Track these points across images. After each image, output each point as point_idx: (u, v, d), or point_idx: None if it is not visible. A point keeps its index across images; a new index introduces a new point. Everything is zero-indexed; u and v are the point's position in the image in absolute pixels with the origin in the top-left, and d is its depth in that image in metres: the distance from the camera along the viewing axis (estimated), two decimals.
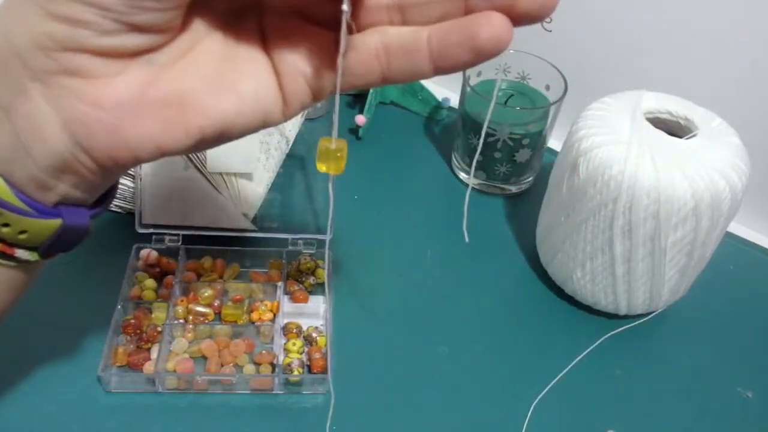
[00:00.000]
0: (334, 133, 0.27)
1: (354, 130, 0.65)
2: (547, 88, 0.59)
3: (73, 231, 0.28)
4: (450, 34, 0.25)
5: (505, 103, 0.59)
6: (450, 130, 0.68)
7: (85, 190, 0.28)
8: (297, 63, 0.27)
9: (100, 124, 0.24)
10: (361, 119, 0.64)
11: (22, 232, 0.27)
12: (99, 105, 0.24)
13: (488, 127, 0.57)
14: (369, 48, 0.26)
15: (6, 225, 0.26)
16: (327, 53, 0.26)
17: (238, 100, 0.26)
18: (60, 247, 0.29)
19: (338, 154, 0.27)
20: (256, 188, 0.55)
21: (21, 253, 0.28)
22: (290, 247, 0.53)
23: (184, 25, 0.26)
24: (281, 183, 0.58)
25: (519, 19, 0.24)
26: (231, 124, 0.26)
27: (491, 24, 0.24)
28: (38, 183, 0.26)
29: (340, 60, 0.25)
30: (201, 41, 0.27)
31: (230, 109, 0.26)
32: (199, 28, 0.26)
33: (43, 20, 0.23)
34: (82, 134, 0.25)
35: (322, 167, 0.27)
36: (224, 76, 0.26)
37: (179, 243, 0.52)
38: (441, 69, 0.26)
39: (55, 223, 0.27)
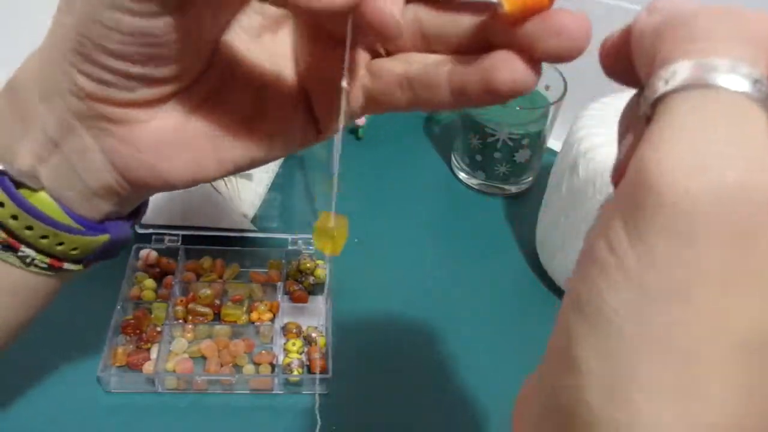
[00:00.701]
0: (333, 205, 0.25)
1: (354, 130, 0.65)
2: (547, 88, 0.59)
3: (118, 242, 0.30)
4: (469, 73, 0.23)
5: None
6: (450, 130, 0.68)
7: (124, 206, 0.30)
8: (326, 88, 0.27)
9: (137, 162, 0.26)
10: (361, 119, 0.64)
11: (74, 249, 0.29)
12: (135, 146, 0.26)
13: (488, 127, 0.57)
14: (392, 76, 0.26)
15: (60, 243, 0.28)
16: (355, 77, 0.26)
17: (271, 133, 0.27)
18: (104, 256, 0.31)
19: (335, 233, 0.25)
20: (255, 188, 0.55)
21: (68, 266, 0.30)
22: (290, 247, 0.53)
23: (217, 59, 0.27)
24: (281, 183, 0.58)
25: (542, 58, 0.22)
26: (263, 155, 0.28)
27: (510, 68, 0.22)
28: (86, 205, 0.28)
29: (341, 126, 0.24)
30: (230, 87, 0.27)
31: (263, 141, 0.27)
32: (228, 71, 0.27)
33: (74, 72, 0.24)
34: (122, 168, 0.27)
35: (318, 245, 0.26)
36: (258, 108, 0.27)
37: (179, 243, 0.52)
38: (462, 104, 0.25)
39: (103, 237, 0.29)
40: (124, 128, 0.26)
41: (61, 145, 0.26)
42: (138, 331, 0.47)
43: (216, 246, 0.52)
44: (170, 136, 0.26)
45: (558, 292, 0.53)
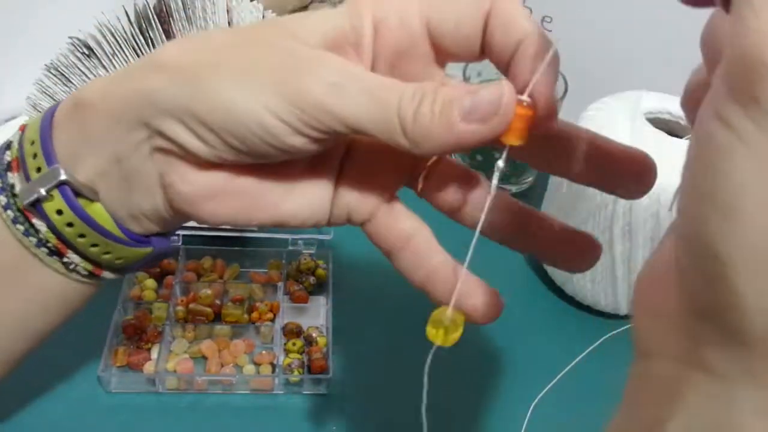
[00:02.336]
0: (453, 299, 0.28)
1: None
2: None
3: (159, 255, 0.32)
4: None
5: None
6: None
7: (168, 227, 0.31)
8: (348, 198, 0.29)
9: (182, 195, 0.27)
10: None
11: (119, 258, 0.30)
12: (187, 181, 0.27)
13: None
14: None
15: (107, 253, 0.30)
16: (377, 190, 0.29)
17: (298, 207, 0.29)
18: (143, 267, 0.33)
19: (449, 325, 0.27)
20: None
21: (107, 274, 0.31)
22: (290, 247, 0.53)
23: None
24: None
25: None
26: (286, 222, 0.29)
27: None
28: (136, 220, 0.29)
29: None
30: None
31: (289, 212, 0.29)
32: None
33: (173, 124, 0.26)
34: (169, 196, 0.28)
35: (430, 333, 0.28)
36: (298, 184, 0.29)
37: (179, 243, 0.52)
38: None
39: (147, 250, 0.31)
40: (188, 167, 0.27)
41: (124, 163, 0.27)
42: (138, 332, 0.47)
43: (216, 246, 0.52)
44: (222, 184, 0.27)
45: (558, 292, 0.53)
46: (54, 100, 0.51)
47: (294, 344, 0.47)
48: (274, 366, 0.46)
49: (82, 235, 0.29)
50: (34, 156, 0.28)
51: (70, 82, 0.51)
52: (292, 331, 0.48)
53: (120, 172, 0.27)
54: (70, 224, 0.28)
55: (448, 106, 0.24)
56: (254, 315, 0.49)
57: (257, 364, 0.46)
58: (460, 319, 0.27)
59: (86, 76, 0.51)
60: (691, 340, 0.18)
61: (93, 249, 0.29)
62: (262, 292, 0.50)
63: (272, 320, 0.49)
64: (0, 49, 0.60)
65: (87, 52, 0.50)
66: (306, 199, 0.29)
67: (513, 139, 0.24)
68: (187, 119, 0.25)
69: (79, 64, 0.51)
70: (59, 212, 0.28)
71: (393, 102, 0.24)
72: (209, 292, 0.49)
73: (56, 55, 0.51)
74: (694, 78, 0.24)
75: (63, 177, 0.27)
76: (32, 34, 0.60)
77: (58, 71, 0.51)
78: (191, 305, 0.48)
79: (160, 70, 0.26)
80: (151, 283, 0.50)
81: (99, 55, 0.50)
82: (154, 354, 0.46)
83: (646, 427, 0.19)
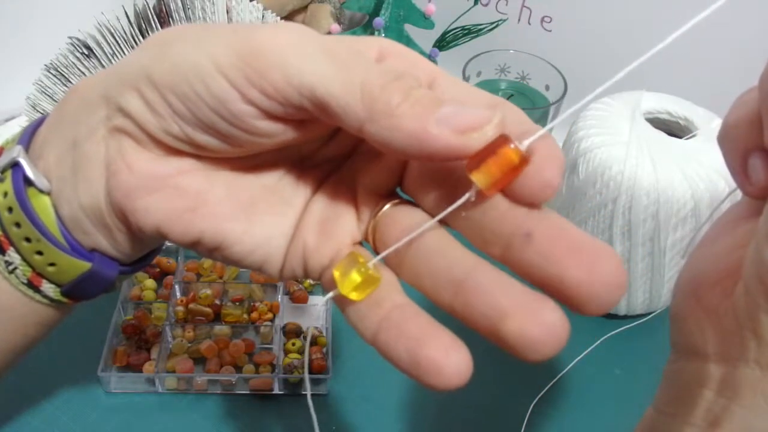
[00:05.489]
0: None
1: None
2: (547, 88, 0.59)
3: (99, 279, 0.28)
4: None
5: None
6: None
7: (117, 250, 0.28)
8: (307, 235, 0.26)
9: (122, 181, 0.25)
10: None
11: (51, 264, 0.27)
12: (130, 166, 0.25)
13: None
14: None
15: (39, 253, 0.27)
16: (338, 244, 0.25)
17: (247, 231, 0.25)
18: (83, 292, 0.29)
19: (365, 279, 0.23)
20: None
21: (46, 288, 0.28)
22: None
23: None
24: None
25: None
26: (229, 245, 0.25)
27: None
28: (78, 223, 0.26)
29: None
30: (258, 167, 0.26)
31: (236, 231, 0.25)
32: (264, 158, 0.26)
33: (134, 96, 0.24)
34: (110, 184, 0.25)
35: (342, 282, 0.23)
36: (253, 204, 0.26)
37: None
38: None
39: (85, 265, 0.27)
40: (135, 147, 0.25)
41: (78, 149, 0.25)
42: (138, 332, 0.47)
43: None
44: (166, 174, 0.25)
45: None
46: (54, 100, 0.52)
47: (294, 344, 0.47)
48: (273, 366, 0.46)
49: (18, 225, 0.26)
50: (12, 140, 0.27)
51: (70, 82, 0.51)
52: (292, 331, 0.48)
53: (72, 159, 0.26)
54: (9, 209, 0.26)
55: (428, 97, 0.20)
56: (254, 315, 0.49)
57: (257, 364, 0.46)
58: (375, 280, 0.23)
59: (85, 76, 0.51)
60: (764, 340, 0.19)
61: (25, 244, 0.27)
62: (261, 292, 0.50)
63: (272, 320, 0.49)
64: (0, 49, 0.60)
65: (86, 53, 0.50)
66: (260, 223, 0.26)
67: (482, 179, 0.20)
68: (144, 86, 0.23)
69: (79, 65, 0.51)
70: (5, 195, 0.26)
71: (358, 69, 0.21)
72: (209, 292, 0.49)
73: (56, 55, 0.51)
74: (733, 116, 0.24)
75: (17, 157, 0.26)
76: (32, 34, 0.60)
77: (58, 71, 0.51)
78: (191, 305, 0.48)
79: (138, 47, 0.25)
80: (150, 283, 0.50)
81: (98, 56, 0.50)
82: (153, 354, 0.46)
83: (696, 425, 0.20)
